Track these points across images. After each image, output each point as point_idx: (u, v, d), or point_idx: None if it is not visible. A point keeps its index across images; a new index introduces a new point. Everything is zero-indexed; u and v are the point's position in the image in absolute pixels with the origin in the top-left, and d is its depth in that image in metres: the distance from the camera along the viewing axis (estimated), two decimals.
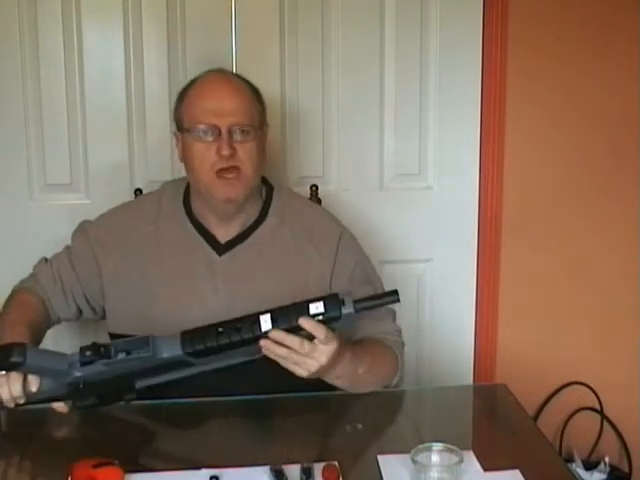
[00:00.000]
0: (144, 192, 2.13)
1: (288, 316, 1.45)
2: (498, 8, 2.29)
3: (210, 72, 1.78)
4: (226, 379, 1.54)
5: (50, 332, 1.86)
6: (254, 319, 1.45)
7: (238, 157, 1.67)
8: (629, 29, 2.35)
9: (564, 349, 2.52)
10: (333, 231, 1.81)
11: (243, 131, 1.68)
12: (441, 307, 2.46)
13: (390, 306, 1.72)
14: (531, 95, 2.37)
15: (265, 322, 1.44)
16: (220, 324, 1.47)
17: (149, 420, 1.59)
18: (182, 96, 1.76)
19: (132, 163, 2.26)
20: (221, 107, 1.68)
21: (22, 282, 1.87)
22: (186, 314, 1.67)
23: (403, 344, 1.79)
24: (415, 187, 2.40)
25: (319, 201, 2.15)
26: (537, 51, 2.35)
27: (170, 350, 1.46)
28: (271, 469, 1.32)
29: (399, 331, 1.80)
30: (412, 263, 2.43)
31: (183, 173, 2.03)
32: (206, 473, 1.32)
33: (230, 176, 1.67)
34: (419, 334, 2.45)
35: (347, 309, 1.46)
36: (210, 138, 1.67)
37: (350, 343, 1.59)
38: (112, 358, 1.45)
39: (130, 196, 2.17)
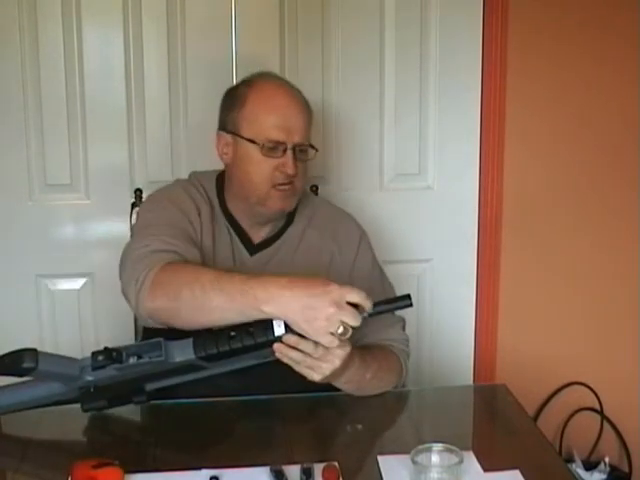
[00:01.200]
0: (144, 192, 2.13)
1: None
2: (498, 12, 2.30)
3: (269, 78, 1.75)
4: (235, 381, 1.55)
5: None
6: (267, 323, 1.44)
7: (295, 173, 1.69)
8: (628, 33, 2.36)
9: (564, 349, 2.52)
10: (354, 233, 1.84)
11: (303, 150, 1.70)
12: (441, 307, 2.46)
13: (400, 314, 1.74)
14: (531, 97, 2.37)
15: (278, 327, 1.43)
16: (232, 328, 1.46)
17: (149, 420, 1.59)
18: (240, 100, 1.71)
19: (132, 163, 2.26)
20: (290, 124, 1.67)
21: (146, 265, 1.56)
22: None
23: (409, 354, 1.78)
24: (415, 187, 2.40)
25: None
26: (537, 54, 2.35)
27: (182, 354, 1.46)
28: (271, 469, 1.32)
29: (407, 340, 1.79)
30: (412, 263, 2.43)
31: (183, 173, 2.04)
32: (206, 473, 1.32)
33: (286, 188, 1.69)
34: (419, 334, 2.45)
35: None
36: (276, 154, 1.67)
37: (358, 348, 1.59)
38: (124, 363, 1.44)
39: (130, 196, 2.17)
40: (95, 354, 1.45)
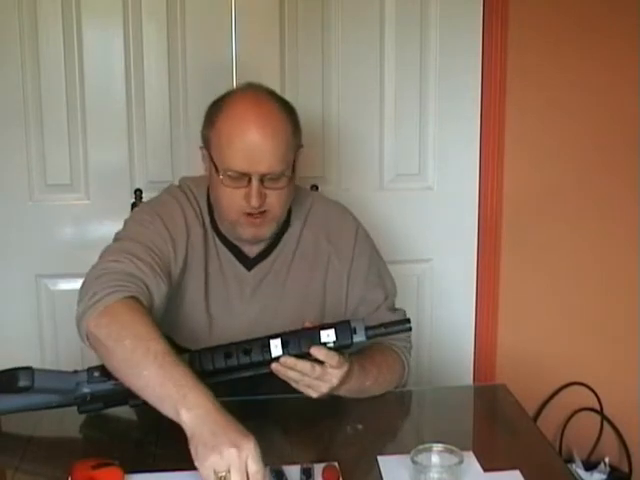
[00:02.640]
0: (144, 192, 2.13)
1: (299, 342, 1.45)
2: (498, 12, 2.30)
3: (244, 96, 1.59)
4: (234, 380, 1.55)
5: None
6: (264, 342, 1.46)
7: (267, 202, 1.57)
8: (629, 34, 2.36)
9: (564, 349, 2.52)
10: (349, 229, 1.77)
11: (274, 178, 1.56)
12: (441, 307, 2.46)
13: (401, 307, 1.79)
14: (530, 97, 2.37)
15: (275, 347, 1.44)
16: (230, 345, 1.48)
17: (149, 420, 1.59)
18: (212, 118, 1.59)
19: (132, 163, 2.26)
20: (255, 152, 1.53)
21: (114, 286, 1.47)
22: (217, 327, 1.67)
23: (411, 348, 1.78)
24: (415, 187, 2.40)
25: None
26: (536, 55, 2.35)
27: None
28: (271, 469, 1.31)
29: (409, 335, 1.75)
30: (412, 263, 2.43)
31: (183, 173, 2.03)
32: None
33: (256, 218, 1.58)
34: (419, 334, 2.45)
35: (359, 337, 1.46)
36: (240, 184, 1.55)
37: (358, 356, 1.58)
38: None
39: (130, 196, 2.17)
40: (91, 370, 1.48)
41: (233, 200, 1.57)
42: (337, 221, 1.78)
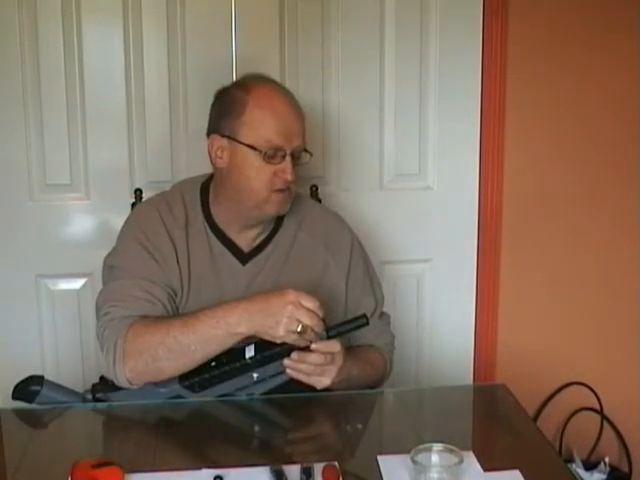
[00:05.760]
0: (144, 192, 2.13)
1: (269, 346, 1.55)
2: (498, 13, 2.30)
3: (265, 82, 1.72)
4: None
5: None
6: (240, 350, 1.56)
7: (294, 180, 1.69)
8: (630, 36, 2.35)
9: (564, 349, 2.52)
10: (346, 240, 1.84)
11: (298, 156, 1.69)
12: (441, 307, 2.46)
13: (387, 312, 1.88)
14: (530, 97, 2.37)
15: (249, 351, 1.56)
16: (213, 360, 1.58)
17: (149, 420, 1.59)
18: (239, 106, 1.67)
19: (132, 163, 2.26)
20: (289, 129, 1.66)
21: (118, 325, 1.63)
22: None
23: (393, 350, 1.88)
24: (415, 187, 2.40)
25: (319, 201, 2.15)
26: (537, 56, 2.35)
27: (167, 384, 1.60)
28: (271, 469, 1.32)
29: (393, 337, 1.90)
30: (412, 263, 2.43)
31: (183, 173, 2.03)
32: (206, 473, 1.32)
33: (285, 194, 1.69)
34: (419, 334, 2.45)
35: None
36: (275, 160, 1.66)
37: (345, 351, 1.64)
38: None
39: (130, 196, 2.17)
40: (95, 387, 1.65)
41: (265, 179, 1.66)
42: (335, 231, 1.85)
